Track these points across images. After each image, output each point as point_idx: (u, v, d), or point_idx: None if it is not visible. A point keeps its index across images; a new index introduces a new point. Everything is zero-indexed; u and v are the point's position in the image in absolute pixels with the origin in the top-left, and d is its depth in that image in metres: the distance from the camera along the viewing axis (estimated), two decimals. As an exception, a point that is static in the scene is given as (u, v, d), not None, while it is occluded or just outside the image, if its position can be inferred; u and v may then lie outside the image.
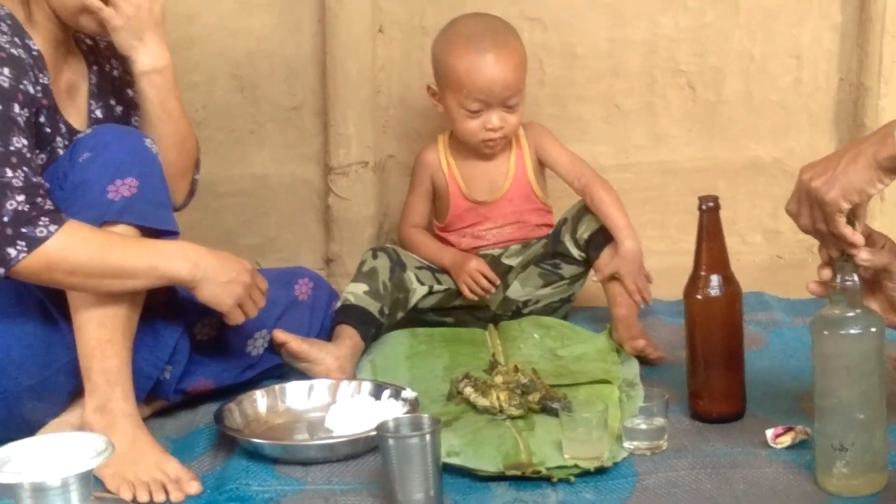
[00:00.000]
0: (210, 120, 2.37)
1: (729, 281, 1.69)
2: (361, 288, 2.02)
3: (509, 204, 2.18)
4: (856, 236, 1.35)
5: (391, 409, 1.71)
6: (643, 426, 1.62)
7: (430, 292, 2.13)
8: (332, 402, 1.79)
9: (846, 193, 1.32)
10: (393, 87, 2.45)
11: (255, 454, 1.67)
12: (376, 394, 1.78)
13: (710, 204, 1.66)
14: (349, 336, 1.95)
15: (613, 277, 2.01)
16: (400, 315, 2.09)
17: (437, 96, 2.11)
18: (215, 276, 1.67)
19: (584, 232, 2.08)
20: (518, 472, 1.48)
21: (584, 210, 2.11)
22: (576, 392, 1.77)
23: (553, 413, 1.66)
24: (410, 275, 2.09)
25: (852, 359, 1.38)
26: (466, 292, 2.10)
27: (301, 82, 2.40)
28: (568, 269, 2.12)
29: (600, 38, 2.39)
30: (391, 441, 1.43)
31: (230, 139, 2.40)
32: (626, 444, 1.59)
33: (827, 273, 1.46)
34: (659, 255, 2.20)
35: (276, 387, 1.86)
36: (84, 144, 1.65)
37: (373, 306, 2.01)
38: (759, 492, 1.46)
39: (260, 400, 1.82)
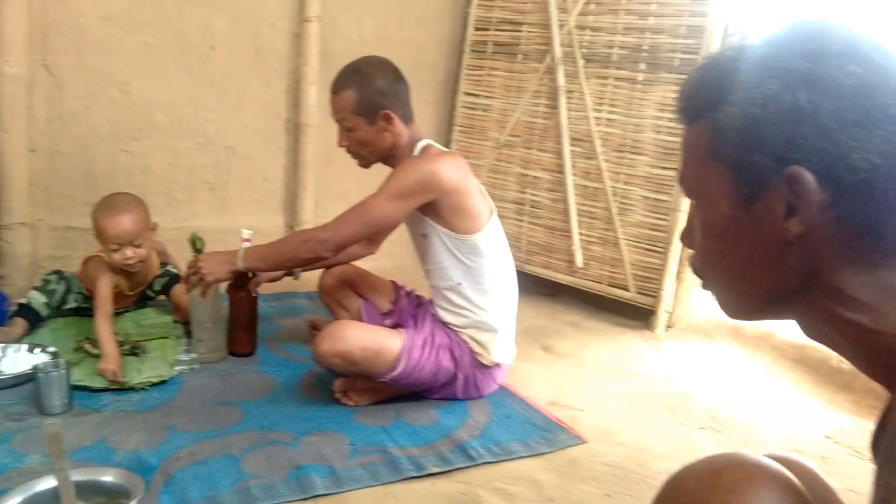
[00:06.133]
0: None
1: (248, 290, 2.33)
2: (42, 299, 2.45)
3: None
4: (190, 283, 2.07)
5: (41, 358, 2.15)
6: (185, 358, 2.24)
7: (79, 305, 2.54)
8: (3, 356, 2.20)
9: (212, 274, 2.07)
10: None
11: (-41, 388, 1.92)
12: (31, 350, 2.23)
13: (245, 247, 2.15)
14: (20, 325, 2.37)
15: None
16: (57, 311, 2.48)
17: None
18: None
19: (157, 285, 2.65)
20: (116, 386, 2.03)
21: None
22: (151, 343, 2.33)
23: (137, 354, 2.22)
24: (70, 296, 2.53)
25: (201, 307, 2.21)
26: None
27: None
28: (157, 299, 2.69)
29: (162, 163, 3.02)
30: (41, 375, 1.84)
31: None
32: (176, 368, 2.16)
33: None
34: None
35: (-30, 348, 2.11)
36: None
37: (42, 310, 2.44)
38: (235, 383, 2.11)
39: (-39, 357, 2.05)
